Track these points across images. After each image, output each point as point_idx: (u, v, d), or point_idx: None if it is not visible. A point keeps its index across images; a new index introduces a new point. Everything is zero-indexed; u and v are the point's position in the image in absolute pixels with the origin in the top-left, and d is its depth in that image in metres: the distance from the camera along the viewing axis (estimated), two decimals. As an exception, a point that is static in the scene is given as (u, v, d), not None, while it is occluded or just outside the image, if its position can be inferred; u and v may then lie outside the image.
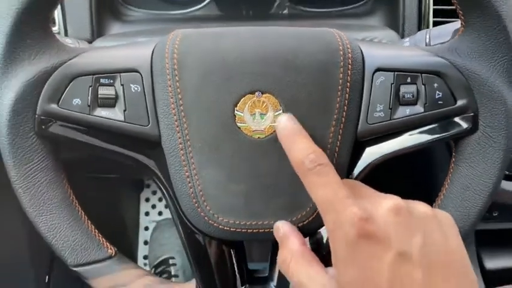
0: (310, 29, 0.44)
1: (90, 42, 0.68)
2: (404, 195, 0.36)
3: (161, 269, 1.24)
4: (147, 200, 1.43)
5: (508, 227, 0.82)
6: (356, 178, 0.46)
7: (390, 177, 0.69)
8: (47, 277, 1.01)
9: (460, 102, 0.43)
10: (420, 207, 0.35)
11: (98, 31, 0.71)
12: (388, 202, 0.34)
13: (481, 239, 0.80)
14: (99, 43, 0.65)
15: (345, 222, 0.34)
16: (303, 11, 0.79)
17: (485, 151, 0.43)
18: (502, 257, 0.78)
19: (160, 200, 1.42)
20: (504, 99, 0.42)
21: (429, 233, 0.34)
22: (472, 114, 0.43)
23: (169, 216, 1.40)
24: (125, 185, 1.34)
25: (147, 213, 1.41)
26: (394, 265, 0.32)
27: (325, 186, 0.36)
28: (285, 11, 0.79)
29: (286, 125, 0.40)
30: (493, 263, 0.77)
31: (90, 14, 0.69)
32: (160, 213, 1.41)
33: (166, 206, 1.42)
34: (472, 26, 0.42)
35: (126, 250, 1.25)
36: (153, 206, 1.42)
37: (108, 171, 0.61)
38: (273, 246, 0.48)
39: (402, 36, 0.68)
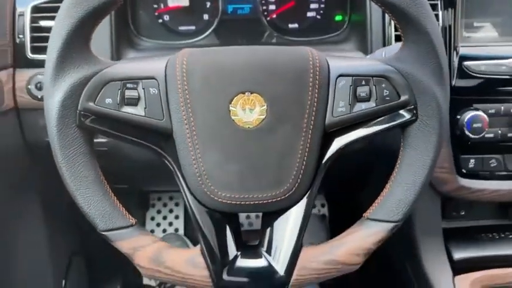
0: (290, 47, 0.58)
1: None
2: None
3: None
4: (152, 218, 1.53)
5: (473, 225, 0.93)
6: (326, 162, 0.57)
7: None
8: (64, 281, 1.10)
9: (402, 98, 0.55)
10: None
11: (116, 56, 0.84)
12: None
13: (449, 235, 0.90)
14: None
15: None
16: (288, 40, 0.93)
17: (424, 135, 0.55)
18: (467, 249, 0.88)
19: (164, 218, 1.53)
20: (435, 94, 0.55)
21: None
22: (412, 106, 0.55)
23: (173, 231, 1.50)
24: (131, 204, 1.44)
25: (152, 231, 1.51)
26: None
27: None
28: (274, 40, 0.94)
29: None
30: (459, 254, 0.87)
31: (110, 42, 0.83)
32: (164, 231, 1.51)
33: (170, 224, 1.53)
34: (409, 40, 0.55)
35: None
36: (158, 224, 1.52)
37: (117, 182, 0.72)
38: (263, 217, 0.59)
39: None
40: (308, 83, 0.54)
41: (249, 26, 0.93)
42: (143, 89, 0.55)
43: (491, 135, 0.79)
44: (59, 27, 0.52)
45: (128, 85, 0.55)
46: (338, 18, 0.94)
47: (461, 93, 0.78)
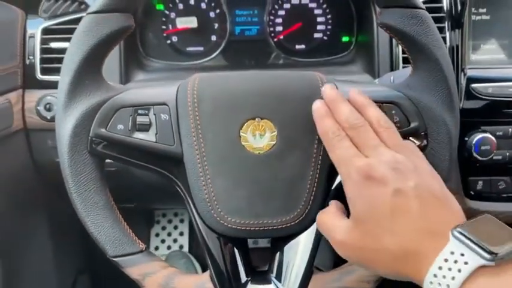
0: (298, 71, 0.58)
1: None
2: None
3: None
4: (157, 235, 1.53)
5: None
6: (336, 188, 0.57)
7: None
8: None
9: (413, 124, 0.55)
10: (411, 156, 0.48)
11: (125, 78, 0.85)
12: (387, 156, 0.46)
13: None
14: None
15: (353, 171, 0.47)
16: (295, 61, 0.94)
17: (434, 162, 0.55)
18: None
19: (169, 235, 1.52)
20: (445, 121, 0.55)
21: (420, 175, 0.46)
22: (423, 133, 0.55)
23: (177, 248, 1.49)
24: (136, 221, 1.44)
25: (156, 248, 1.50)
26: (393, 197, 0.44)
27: (340, 149, 0.49)
28: (281, 61, 0.94)
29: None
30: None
31: (119, 64, 0.84)
32: (169, 247, 1.51)
33: (174, 241, 1.52)
34: (419, 67, 0.55)
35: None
36: (163, 241, 1.52)
37: (124, 201, 0.72)
38: (273, 243, 0.59)
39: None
40: None
41: (256, 47, 0.94)
42: (154, 114, 0.55)
43: (500, 157, 0.79)
44: (71, 55, 0.53)
45: (140, 111, 0.55)
46: (345, 39, 0.95)
47: (469, 115, 0.78)
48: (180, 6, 0.92)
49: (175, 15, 0.92)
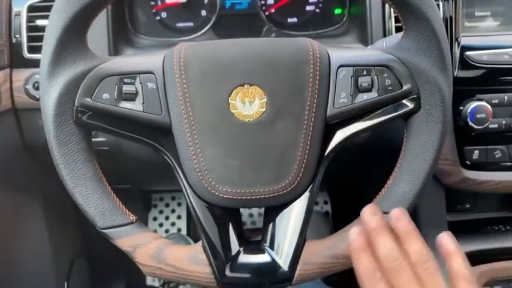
0: (288, 38, 0.57)
1: None
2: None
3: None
4: (155, 219, 1.52)
5: (478, 217, 0.92)
6: (328, 155, 0.56)
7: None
8: (66, 284, 1.09)
9: (405, 87, 0.54)
10: None
11: (114, 55, 0.83)
12: None
13: (454, 228, 0.89)
14: None
15: None
16: (287, 35, 0.92)
17: (428, 124, 0.54)
18: (473, 242, 0.87)
19: (167, 218, 1.52)
20: (438, 82, 0.53)
21: None
22: (415, 96, 0.54)
23: (175, 231, 1.49)
24: (133, 205, 1.44)
25: (155, 231, 1.50)
26: None
27: None
28: (273, 35, 0.93)
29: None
30: (465, 248, 0.86)
31: (108, 41, 0.82)
32: (167, 231, 1.50)
33: (172, 224, 1.52)
34: (410, 28, 0.54)
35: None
36: (161, 225, 1.52)
37: (118, 182, 0.70)
38: (265, 212, 0.58)
39: None
40: (308, 75, 0.53)
41: (247, 21, 0.92)
42: (141, 83, 0.54)
43: (495, 125, 0.78)
44: (53, 23, 0.51)
45: (125, 80, 0.54)
46: (337, 11, 0.93)
47: (463, 84, 0.77)
48: (169, -20, 0.90)
49: (164, -10, 0.91)
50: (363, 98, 0.55)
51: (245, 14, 0.92)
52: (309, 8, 0.93)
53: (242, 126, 0.53)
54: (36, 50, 0.82)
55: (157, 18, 0.92)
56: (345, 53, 0.57)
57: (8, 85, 0.81)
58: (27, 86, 0.81)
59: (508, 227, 0.90)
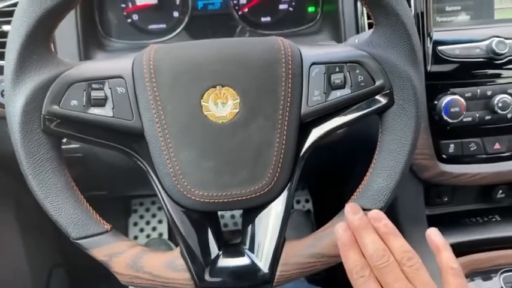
0: (260, 37, 0.56)
1: None
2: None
3: None
4: (135, 224, 1.50)
5: (457, 210, 0.93)
6: (305, 153, 0.56)
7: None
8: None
9: (377, 83, 0.54)
10: None
11: (84, 59, 0.82)
12: None
13: (434, 222, 0.90)
14: None
15: None
16: (261, 34, 0.91)
17: (401, 119, 0.54)
18: (452, 234, 0.87)
19: (147, 223, 1.50)
20: (410, 76, 0.53)
21: None
22: (388, 91, 0.54)
23: (157, 236, 1.47)
24: (113, 211, 1.42)
25: (135, 237, 1.48)
26: None
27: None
28: (246, 35, 0.92)
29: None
30: (446, 240, 0.87)
31: (78, 45, 0.80)
32: (148, 236, 1.48)
33: (153, 229, 1.50)
34: (380, 23, 0.54)
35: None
36: (141, 230, 1.50)
37: (95, 188, 0.68)
38: (244, 215, 0.58)
39: None
40: (280, 74, 0.53)
41: (220, 21, 0.91)
42: (110, 88, 0.52)
43: (469, 118, 0.79)
44: (15, 29, 0.50)
45: (94, 85, 0.52)
46: (310, 9, 0.93)
47: (437, 78, 0.78)
48: (139, -17, 0.89)
49: (135, -8, 0.89)
50: (337, 95, 0.54)
51: (218, 14, 0.91)
52: (282, 6, 0.92)
53: (216, 128, 0.52)
54: (2, 56, 0.79)
55: (129, 20, 0.90)
56: (316, 50, 0.57)
57: None
58: (-6, 94, 0.78)
59: (486, 218, 0.91)
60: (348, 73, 0.54)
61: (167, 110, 0.52)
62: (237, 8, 0.91)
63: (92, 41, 0.85)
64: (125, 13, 0.90)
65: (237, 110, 0.52)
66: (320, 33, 0.90)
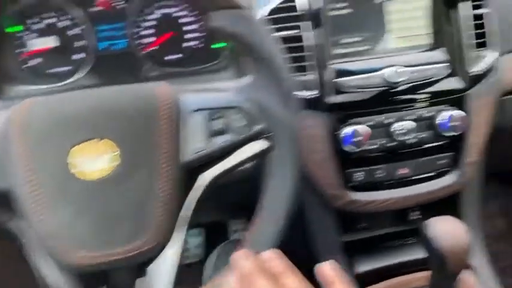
0: (136, 84, 0.55)
1: None
2: None
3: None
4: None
5: (375, 235, 0.94)
6: (199, 200, 0.55)
7: None
8: None
9: (257, 127, 0.54)
10: None
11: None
12: None
13: (352, 248, 0.90)
14: None
15: None
16: (169, 72, 0.90)
17: (281, 163, 0.54)
18: (370, 260, 0.88)
19: None
20: (286, 120, 0.54)
21: None
22: (268, 135, 0.54)
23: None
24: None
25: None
26: None
27: None
28: (153, 73, 0.90)
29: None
30: (363, 267, 0.88)
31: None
32: None
33: None
34: (255, 68, 0.54)
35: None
36: None
37: None
38: (132, 271, 0.55)
39: None
40: (160, 122, 0.52)
41: (126, 61, 0.89)
42: None
43: (373, 146, 0.81)
44: None
45: None
46: (218, 46, 0.93)
47: (337, 109, 0.79)
48: (36, 26, 0.85)
49: (31, 36, 0.86)
50: (218, 141, 0.54)
51: (122, 53, 0.89)
52: (189, 44, 0.92)
53: (92, 184, 0.50)
54: None
55: (27, 65, 0.87)
56: (197, 96, 0.56)
57: None
58: None
59: (402, 241, 0.92)
60: (228, 119, 0.54)
61: (37, 170, 0.49)
62: (141, 47, 0.90)
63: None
64: (22, 58, 0.86)
65: (118, 163, 0.50)
66: (227, 70, 0.90)
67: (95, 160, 0.50)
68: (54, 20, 0.86)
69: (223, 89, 0.56)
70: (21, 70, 0.86)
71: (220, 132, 0.54)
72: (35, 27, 0.86)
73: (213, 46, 0.92)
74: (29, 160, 0.49)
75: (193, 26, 0.92)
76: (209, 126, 0.53)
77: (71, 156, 0.49)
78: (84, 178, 0.49)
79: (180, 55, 0.92)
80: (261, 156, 0.55)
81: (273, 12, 0.79)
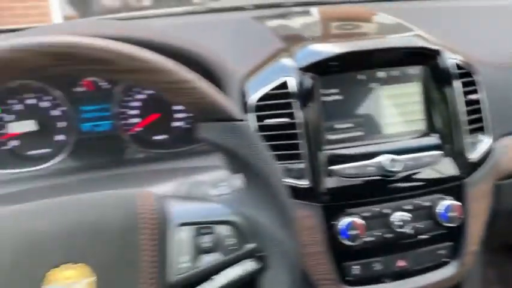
0: (114, 193, 0.50)
1: None
2: None
3: None
4: None
5: None
6: None
7: None
8: None
9: (249, 246, 0.50)
10: None
11: None
12: None
13: None
14: None
15: None
16: (155, 154, 0.86)
17: (276, 284, 0.50)
18: None
19: None
20: (282, 240, 0.50)
21: None
22: (260, 254, 0.50)
23: None
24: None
25: None
26: None
27: None
28: (139, 155, 0.86)
29: None
30: None
31: None
32: None
33: None
34: (247, 182, 0.50)
35: None
36: None
37: None
38: None
39: None
40: (140, 242, 0.47)
41: (110, 142, 0.86)
42: None
43: (370, 239, 0.76)
44: None
45: None
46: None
47: (332, 198, 0.75)
48: (17, 107, 0.82)
49: (10, 117, 0.82)
50: (207, 260, 0.49)
51: (107, 135, 0.85)
52: (175, 124, 0.89)
53: None
54: None
55: (5, 148, 0.82)
56: (186, 206, 0.52)
57: None
58: None
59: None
60: (217, 235, 0.49)
61: None
62: (126, 128, 0.86)
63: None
64: (1, 139, 0.82)
65: None
66: (212, 153, 0.86)
67: (72, 287, 0.45)
68: (35, 101, 0.82)
69: (213, 198, 0.52)
70: (1, 152, 0.81)
71: (209, 250, 0.49)
72: (15, 107, 0.82)
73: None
74: None
75: (180, 106, 0.89)
76: (196, 243, 0.49)
77: (47, 282, 0.44)
78: None
79: (167, 136, 0.88)
80: (253, 275, 0.50)
81: (264, 98, 0.76)
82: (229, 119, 0.48)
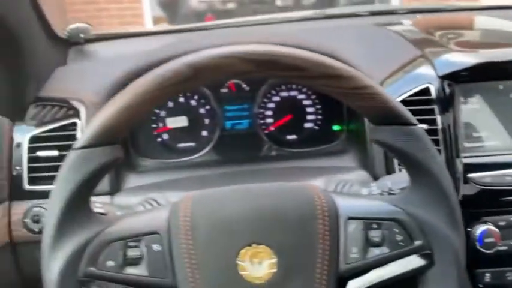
0: (294, 186, 0.56)
1: (110, 194, 0.79)
2: None
3: None
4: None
5: None
6: None
7: None
8: None
9: (416, 243, 0.53)
10: None
11: (116, 182, 0.83)
12: None
13: None
14: (119, 199, 0.77)
15: None
16: (288, 152, 0.93)
17: (442, 282, 0.53)
18: None
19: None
20: (450, 239, 0.52)
21: None
22: (428, 252, 0.53)
23: None
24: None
25: None
26: None
27: None
28: (273, 153, 0.93)
29: None
30: None
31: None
32: None
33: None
34: (417, 182, 0.54)
35: None
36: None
37: None
38: None
39: (374, 176, 0.80)
40: (317, 231, 0.52)
41: (247, 140, 0.93)
42: (146, 246, 0.52)
43: (505, 247, 0.77)
44: (56, 194, 0.50)
45: (130, 244, 0.52)
46: (336, 128, 0.94)
47: (469, 206, 0.76)
48: (170, 104, 0.92)
49: (165, 113, 0.92)
50: (375, 253, 0.53)
51: (245, 133, 0.93)
52: (307, 125, 0.94)
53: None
54: (37, 181, 0.81)
55: (159, 140, 0.92)
56: (352, 202, 0.56)
57: (6, 220, 0.79)
58: (26, 220, 0.79)
59: None
60: (386, 231, 0.53)
61: (202, 269, 0.51)
62: (263, 127, 0.93)
63: (123, 163, 0.86)
64: (155, 133, 0.92)
65: (274, 270, 0.51)
66: (345, 153, 0.90)
67: (255, 265, 0.51)
68: (184, 99, 0.92)
69: (376, 197, 0.56)
70: (153, 144, 0.92)
71: (376, 244, 0.53)
72: (168, 105, 0.92)
73: (332, 128, 0.94)
74: (196, 260, 0.51)
75: (312, 109, 0.94)
76: (366, 236, 0.53)
77: (240, 258, 0.51)
78: (251, 281, 0.51)
79: (300, 136, 0.94)
80: (418, 272, 0.54)
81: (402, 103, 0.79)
82: (407, 123, 0.52)
